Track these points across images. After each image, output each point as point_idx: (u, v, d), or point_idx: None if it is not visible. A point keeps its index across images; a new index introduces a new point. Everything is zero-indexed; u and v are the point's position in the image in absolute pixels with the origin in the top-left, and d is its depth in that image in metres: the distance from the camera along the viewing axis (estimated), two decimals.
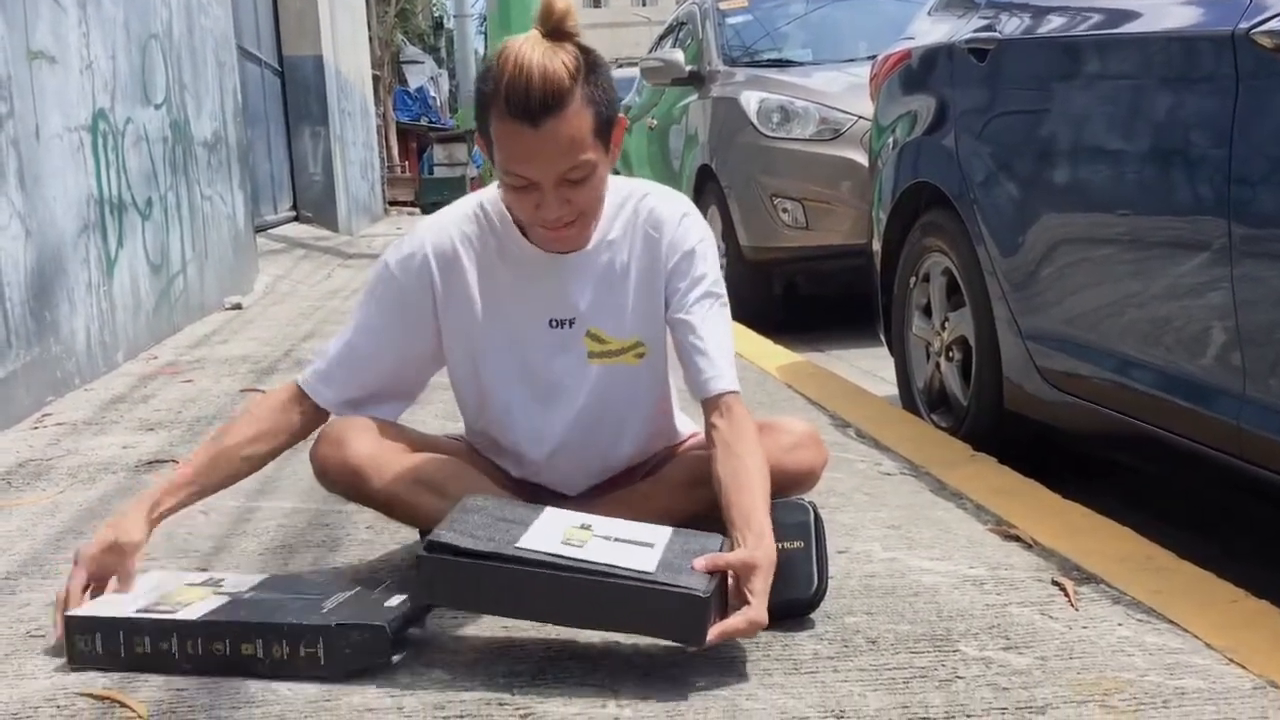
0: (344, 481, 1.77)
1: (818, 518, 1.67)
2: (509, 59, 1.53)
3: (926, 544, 1.99)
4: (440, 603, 1.54)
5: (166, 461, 2.71)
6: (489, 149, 1.62)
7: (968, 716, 1.37)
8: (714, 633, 1.44)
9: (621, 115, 1.64)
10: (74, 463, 2.76)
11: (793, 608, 1.63)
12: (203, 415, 3.24)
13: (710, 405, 1.66)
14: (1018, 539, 2.01)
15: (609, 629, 1.52)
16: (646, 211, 1.74)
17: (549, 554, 1.46)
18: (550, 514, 1.60)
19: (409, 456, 1.77)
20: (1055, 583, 1.79)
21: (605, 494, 1.85)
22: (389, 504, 1.77)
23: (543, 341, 1.74)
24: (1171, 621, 1.64)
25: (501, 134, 1.56)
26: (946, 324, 2.99)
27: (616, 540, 1.52)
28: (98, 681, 1.51)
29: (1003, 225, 2.63)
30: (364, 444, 1.75)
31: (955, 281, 2.92)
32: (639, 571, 1.44)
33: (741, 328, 4.28)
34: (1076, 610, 1.68)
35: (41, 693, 1.49)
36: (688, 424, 1.95)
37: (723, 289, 1.76)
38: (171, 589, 1.63)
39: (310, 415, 1.78)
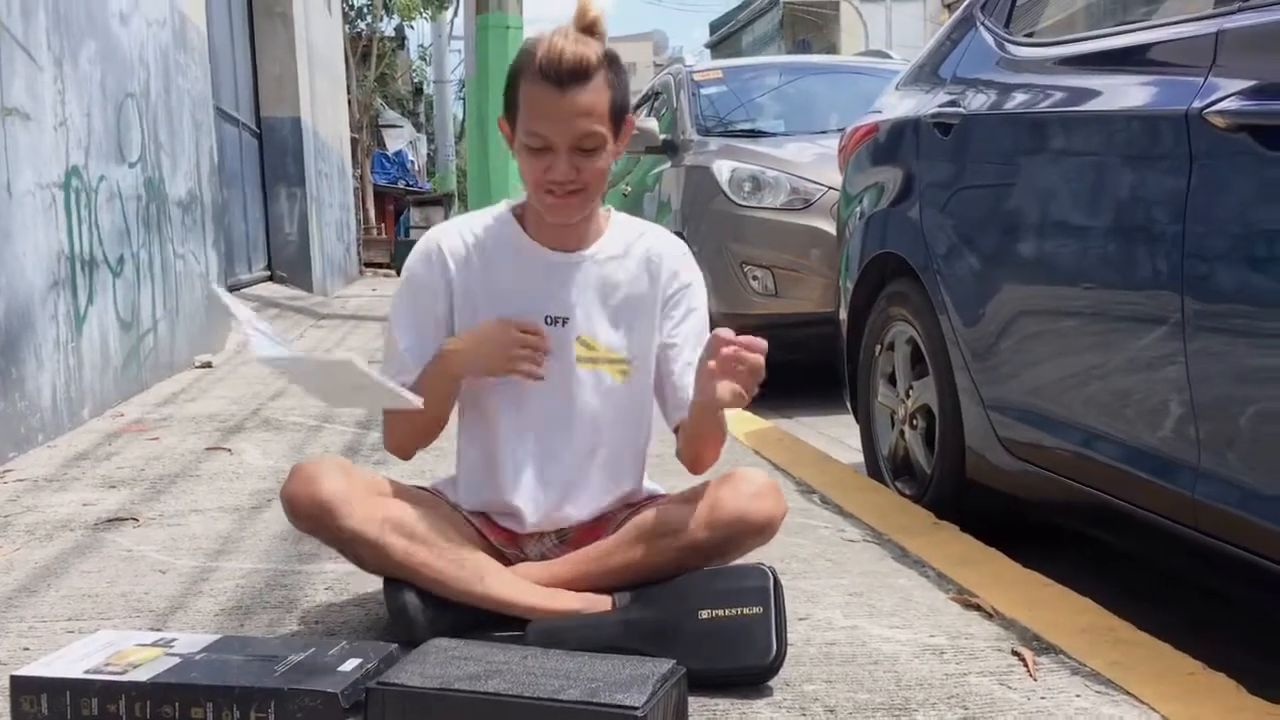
0: (312, 518, 1.76)
1: (777, 583, 1.67)
2: (545, 38, 1.75)
3: (888, 612, 1.99)
4: None
5: (127, 519, 2.68)
6: (513, 121, 1.77)
7: None
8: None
9: (630, 115, 1.81)
10: (32, 519, 2.73)
11: (751, 675, 1.62)
12: (166, 473, 3.21)
13: None
14: (979, 608, 2.01)
15: None
16: (652, 240, 1.90)
17: (495, 689, 1.44)
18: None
19: (379, 498, 1.78)
20: (1015, 652, 1.79)
21: (567, 558, 1.84)
22: (355, 542, 1.76)
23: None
24: (1129, 693, 1.64)
25: (529, 95, 1.73)
26: (911, 392, 3.02)
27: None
28: None
29: (965, 296, 2.66)
30: (334, 481, 1.75)
31: (919, 350, 2.95)
32: (578, 698, 1.42)
33: None
34: (1035, 680, 1.68)
35: None
36: (653, 488, 1.95)
37: (705, 323, 1.91)
38: (122, 648, 1.61)
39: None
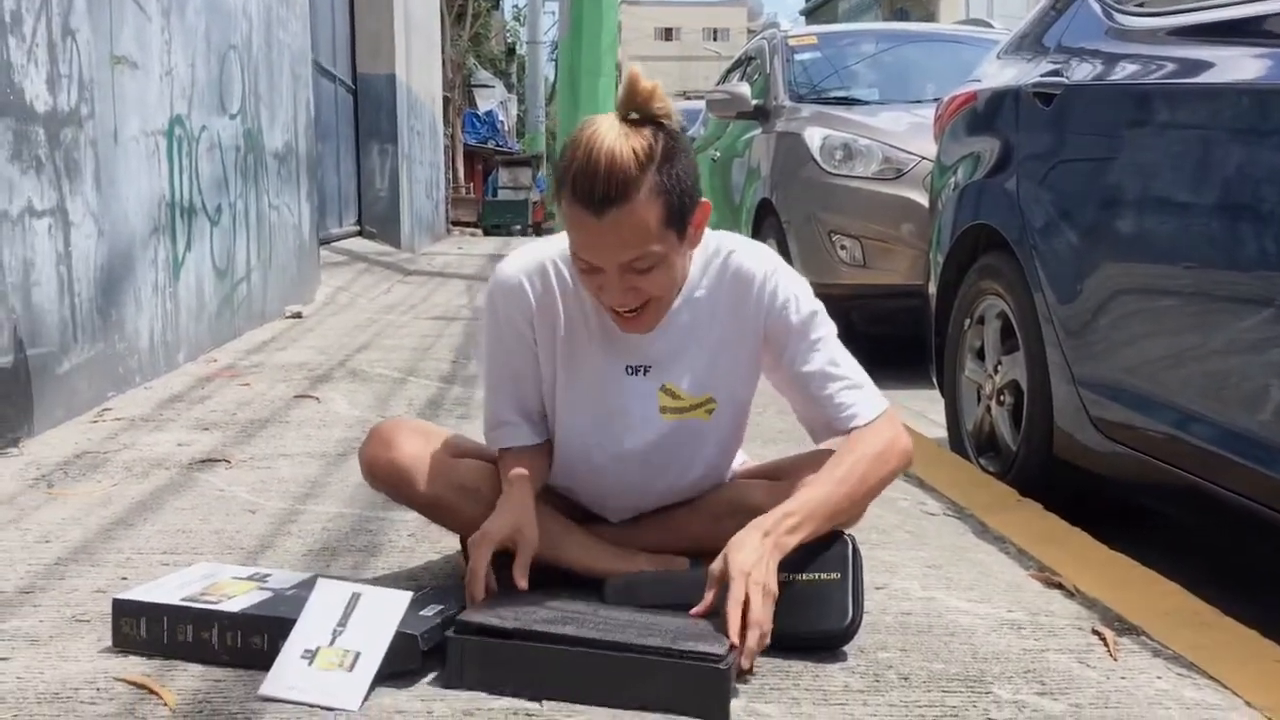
0: (389, 482, 1.79)
1: (855, 551, 1.67)
2: (582, 141, 1.53)
3: (966, 585, 1.97)
4: (468, 685, 1.49)
5: (219, 461, 2.76)
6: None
7: None
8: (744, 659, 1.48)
9: (704, 200, 1.60)
10: (129, 457, 2.82)
11: (826, 639, 1.62)
12: (256, 418, 3.29)
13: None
14: (1060, 586, 1.98)
15: (634, 706, 1.44)
16: (734, 269, 1.70)
17: (573, 632, 1.47)
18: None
19: (456, 461, 1.80)
20: (1095, 632, 1.76)
21: (643, 520, 1.85)
22: (433, 507, 1.80)
23: (619, 386, 1.75)
24: (1212, 677, 1.61)
25: (569, 216, 1.56)
26: (999, 368, 2.97)
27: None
28: (137, 668, 1.54)
29: (1061, 271, 2.61)
30: (411, 445, 1.78)
31: (1010, 325, 2.90)
32: (659, 645, 1.45)
33: None
34: (1115, 660, 1.66)
35: (82, 674, 1.53)
36: (740, 458, 1.95)
37: (828, 328, 1.73)
38: (219, 580, 1.66)
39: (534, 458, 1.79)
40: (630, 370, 1.73)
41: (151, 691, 1.47)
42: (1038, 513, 2.47)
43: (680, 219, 1.56)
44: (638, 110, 1.54)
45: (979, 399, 3.10)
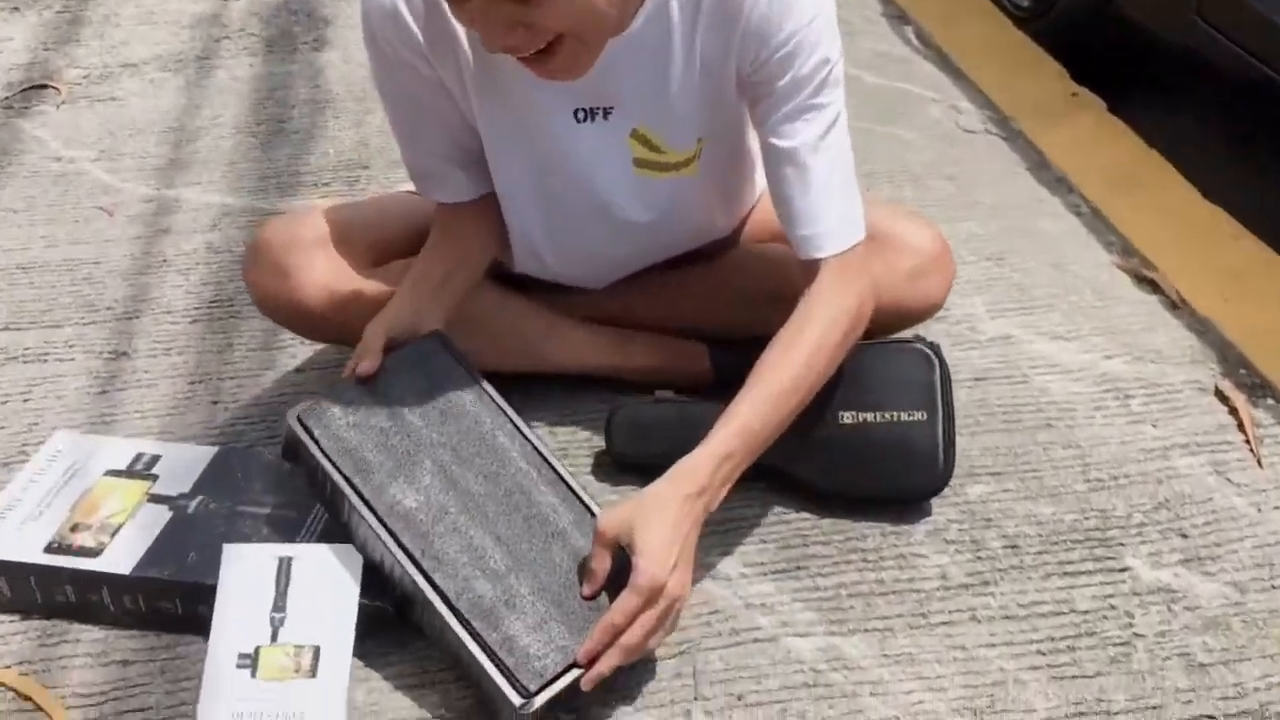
0: (294, 326, 1.33)
1: (944, 373, 1.25)
2: None
3: (1042, 301, 1.58)
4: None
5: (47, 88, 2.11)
6: None
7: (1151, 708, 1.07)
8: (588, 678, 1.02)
9: None
10: None
11: (907, 495, 1.26)
12: None
13: (806, 268, 1.15)
14: (1154, 285, 1.60)
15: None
16: None
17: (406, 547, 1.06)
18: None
19: (380, 277, 1.29)
20: (1221, 395, 1.41)
21: (630, 287, 1.37)
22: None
23: (565, 139, 1.17)
24: None
25: None
26: None
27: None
28: (12, 643, 1.15)
29: None
30: (317, 271, 1.26)
31: None
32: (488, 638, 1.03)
33: None
34: (1262, 469, 1.32)
35: None
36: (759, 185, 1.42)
37: (831, 93, 1.11)
38: (90, 488, 1.22)
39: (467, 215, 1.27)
40: (582, 115, 1.15)
41: (35, 705, 1.09)
42: (1103, 122, 1.99)
43: None
44: None
45: None
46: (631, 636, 1.00)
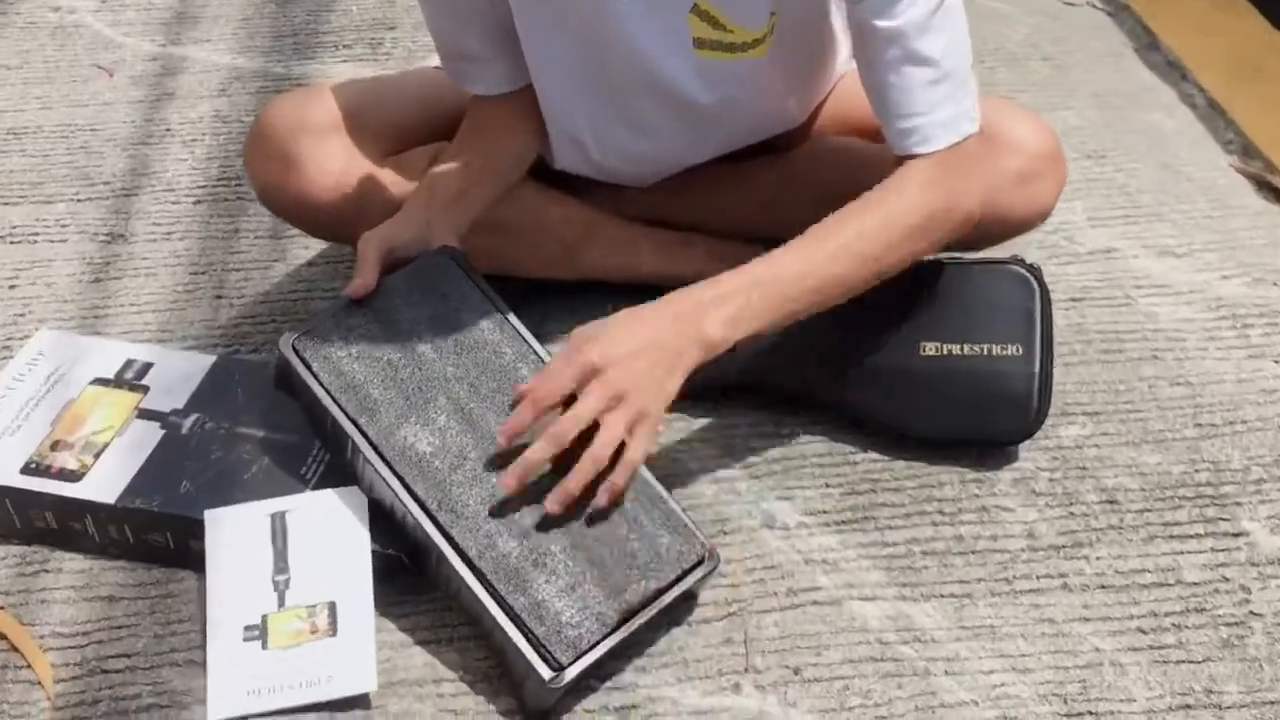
0: (301, 222, 1.17)
1: (1046, 301, 1.08)
2: None
3: (1148, 205, 1.40)
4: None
5: None
6: None
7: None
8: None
9: None
10: None
11: (1003, 437, 1.11)
12: None
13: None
14: (1275, 190, 1.41)
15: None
16: None
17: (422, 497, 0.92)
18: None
19: (397, 167, 1.13)
20: None
21: (685, 184, 1.21)
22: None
23: (612, 13, 0.99)
24: None
25: None
26: None
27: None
28: None
29: None
30: (328, 161, 1.10)
31: None
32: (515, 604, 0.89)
33: None
34: None
35: None
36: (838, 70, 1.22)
37: None
38: (75, 400, 1.09)
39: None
40: None
41: (12, 647, 0.98)
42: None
43: None
44: None
45: None
46: (596, 446, 0.89)
